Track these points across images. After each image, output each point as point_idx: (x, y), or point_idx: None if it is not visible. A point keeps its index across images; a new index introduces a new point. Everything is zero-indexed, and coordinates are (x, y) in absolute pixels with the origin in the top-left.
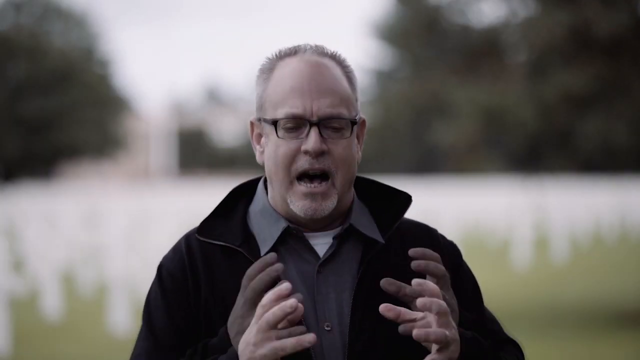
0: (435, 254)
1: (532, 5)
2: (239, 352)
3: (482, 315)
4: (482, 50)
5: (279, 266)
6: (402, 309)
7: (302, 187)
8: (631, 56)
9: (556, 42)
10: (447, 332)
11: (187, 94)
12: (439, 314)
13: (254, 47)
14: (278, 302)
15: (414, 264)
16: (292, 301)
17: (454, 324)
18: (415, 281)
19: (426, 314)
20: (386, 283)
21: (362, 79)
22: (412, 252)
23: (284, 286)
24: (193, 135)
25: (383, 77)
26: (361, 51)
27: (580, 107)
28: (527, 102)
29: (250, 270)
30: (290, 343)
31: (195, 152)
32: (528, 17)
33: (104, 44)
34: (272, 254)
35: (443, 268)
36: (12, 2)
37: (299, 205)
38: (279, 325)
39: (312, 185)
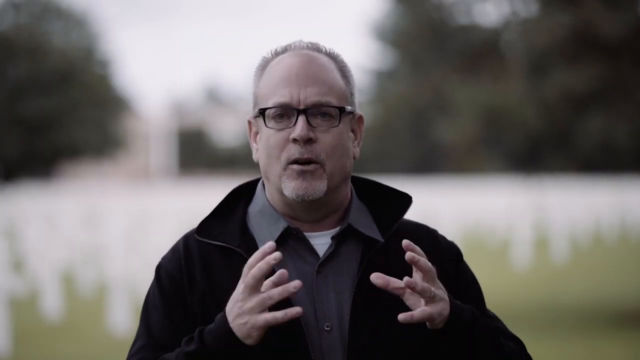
0: (422, 252)
1: (533, 6)
2: (227, 311)
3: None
4: (482, 50)
5: (277, 255)
6: (392, 278)
7: (294, 167)
8: (632, 56)
9: (557, 42)
10: (433, 288)
11: (187, 94)
12: (425, 271)
13: (254, 47)
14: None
15: (407, 255)
16: (275, 254)
17: (441, 285)
18: (408, 254)
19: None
20: (375, 277)
21: (362, 79)
22: (404, 243)
23: (268, 245)
24: (193, 135)
25: (383, 77)
26: (361, 51)
27: (580, 107)
28: (527, 102)
29: (250, 260)
30: (276, 291)
31: (195, 152)
32: (529, 18)
33: (104, 44)
34: (271, 243)
35: (430, 264)
36: (12, 2)
37: (290, 187)
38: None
39: (303, 165)
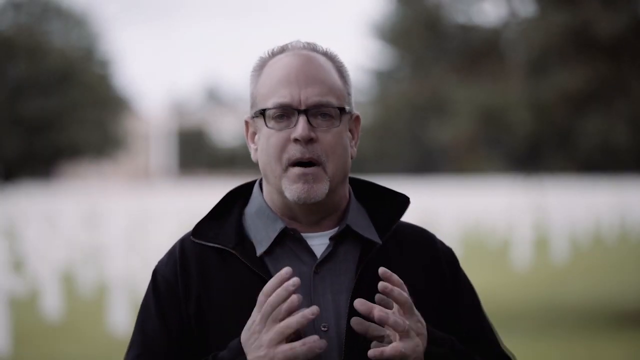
0: (400, 281)
1: (531, 6)
2: (244, 342)
3: (481, 324)
4: (481, 50)
5: (295, 280)
6: (372, 325)
7: (295, 170)
8: (631, 56)
9: (555, 42)
10: (408, 321)
11: (187, 94)
12: (400, 303)
13: (254, 47)
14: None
15: (380, 285)
16: (294, 279)
17: (420, 318)
18: (381, 284)
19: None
20: (358, 303)
21: (362, 79)
22: (381, 271)
23: (285, 270)
24: (193, 135)
25: (383, 77)
26: (361, 51)
27: (579, 107)
28: (526, 101)
29: (266, 287)
30: (294, 319)
31: (195, 152)
32: (527, 17)
33: (104, 44)
34: (287, 269)
35: (406, 295)
36: (12, 2)
37: (292, 190)
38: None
39: (304, 168)
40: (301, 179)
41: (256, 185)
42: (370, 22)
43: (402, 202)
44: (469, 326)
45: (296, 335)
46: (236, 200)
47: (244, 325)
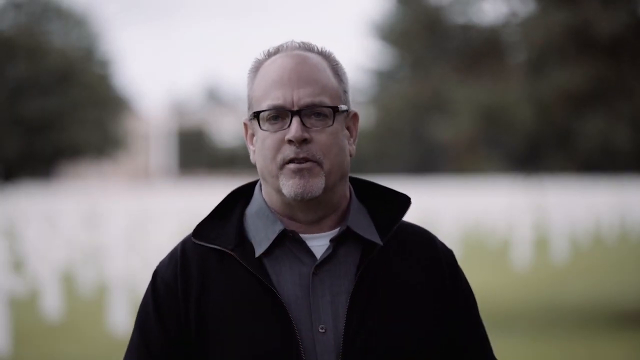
0: None
1: (531, 5)
2: None
3: (476, 329)
4: (482, 49)
5: None
6: None
7: (291, 166)
8: (631, 56)
9: (555, 41)
10: None
11: (187, 94)
12: None
13: (254, 47)
14: None
15: None
16: None
17: None
18: None
19: None
20: None
21: (362, 79)
22: None
23: None
24: (193, 135)
25: (383, 77)
26: (361, 51)
27: (579, 107)
28: (526, 101)
29: None
30: None
31: (195, 152)
32: (527, 17)
33: (104, 44)
34: None
35: None
36: (12, 2)
37: (288, 186)
38: None
39: (300, 164)
40: (297, 174)
41: (257, 185)
42: (370, 22)
43: (404, 202)
44: (466, 331)
45: (292, 337)
46: (238, 200)
47: (242, 329)
